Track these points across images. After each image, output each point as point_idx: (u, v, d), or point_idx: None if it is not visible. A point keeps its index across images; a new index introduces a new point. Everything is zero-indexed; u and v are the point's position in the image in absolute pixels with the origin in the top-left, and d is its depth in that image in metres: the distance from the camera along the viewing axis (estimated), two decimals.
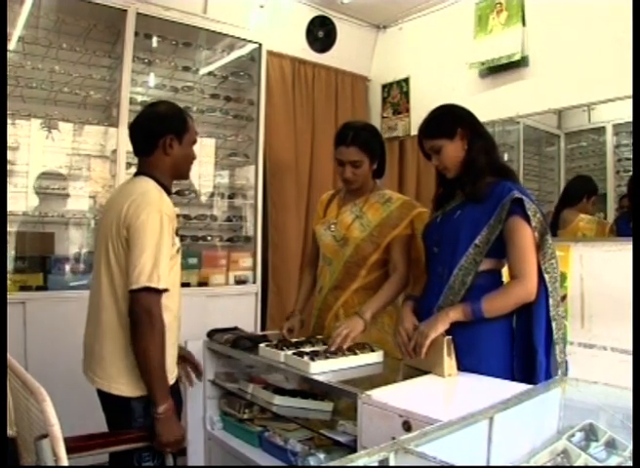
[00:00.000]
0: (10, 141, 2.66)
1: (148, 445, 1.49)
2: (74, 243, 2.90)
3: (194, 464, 2.07)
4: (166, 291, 1.50)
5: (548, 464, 0.97)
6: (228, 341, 1.93)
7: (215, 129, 3.40)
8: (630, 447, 1.01)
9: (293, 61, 3.67)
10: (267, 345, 1.79)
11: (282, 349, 1.72)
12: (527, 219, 1.53)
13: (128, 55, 2.83)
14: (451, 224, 1.66)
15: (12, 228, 2.69)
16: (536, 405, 1.09)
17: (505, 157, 3.20)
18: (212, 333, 2.05)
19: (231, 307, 3.12)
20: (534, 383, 1.41)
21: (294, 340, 1.86)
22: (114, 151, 2.87)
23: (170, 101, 1.87)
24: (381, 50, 4.03)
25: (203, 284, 3.15)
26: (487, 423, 0.94)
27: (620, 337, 2.39)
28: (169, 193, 1.66)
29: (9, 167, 2.66)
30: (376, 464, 0.74)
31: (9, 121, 2.63)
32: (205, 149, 3.31)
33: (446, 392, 1.47)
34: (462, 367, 1.52)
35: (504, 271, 1.65)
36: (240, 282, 3.29)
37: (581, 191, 2.94)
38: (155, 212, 1.50)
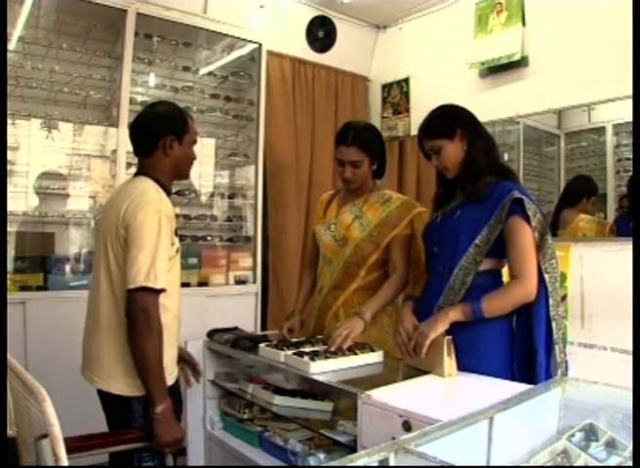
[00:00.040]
0: (10, 141, 2.66)
1: (148, 445, 1.49)
2: (74, 243, 2.90)
3: (194, 464, 2.07)
4: (163, 291, 1.50)
5: (548, 464, 0.97)
6: (228, 341, 1.93)
7: (215, 129, 3.39)
8: (630, 447, 1.01)
9: (293, 61, 3.67)
10: (267, 345, 1.79)
11: (282, 349, 1.72)
12: (527, 219, 1.53)
13: (128, 55, 2.83)
14: (451, 224, 1.66)
15: (12, 228, 2.69)
16: (536, 405, 1.09)
17: (505, 157, 3.20)
18: (212, 333, 2.05)
19: (231, 307, 3.11)
20: (534, 383, 1.41)
21: (294, 340, 1.86)
22: (114, 151, 2.87)
23: (170, 102, 1.87)
24: (381, 50, 4.03)
25: (203, 284, 3.15)
26: (487, 423, 0.94)
27: (620, 337, 2.39)
28: (169, 193, 1.66)
29: (9, 167, 2.66)
30: (376, 464, 0.74)
31: (9, 121, 2.63)
32: (205, 149, 3.31)
33: (446, 392, 1.47)
34: (462, 367, 1.52)
35: (504, 271, 1.65)
36: (240, 282, 3.28)
37: (581, 191, 2.94)
38: (153, 212, 1.51)
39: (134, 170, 1.77)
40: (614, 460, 1.02)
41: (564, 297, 2.44)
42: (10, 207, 2.55)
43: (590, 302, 2.56)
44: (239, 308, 3.18)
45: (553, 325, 1.53)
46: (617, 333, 2.40)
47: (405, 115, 3.82)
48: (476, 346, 1.56)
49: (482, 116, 1.79)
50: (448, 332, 1.53)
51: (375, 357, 1.71)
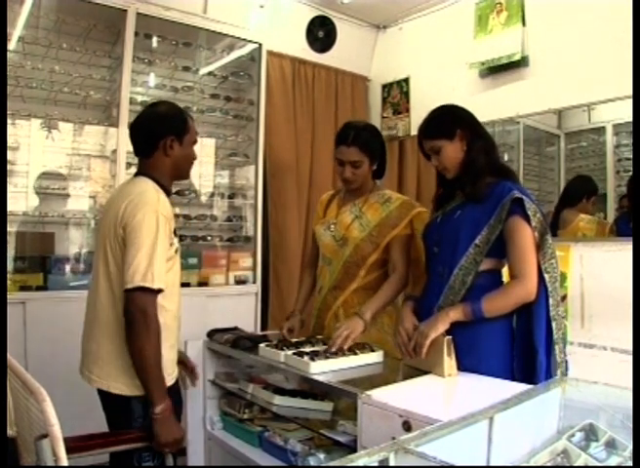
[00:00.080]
0: (10, 141, 2.66)
1: (148, 445, 1.49)
2: (74, 243, 2.90)
3: (194, 464, 2.07)
4: (161, 291, 1.50)
5: (548, 464, 0.97)
6: (228, 341, 1.93)
7: (215, 129, 3.39)
8: (630, 447, 1.01)
9: (293, 61, 3.67)
10: (267, 345, 1.79)
11: (282, 349, 1.72)
12: (527, 219, 1.53)
13: (128, 55, 2.83)
14: (451, 224, 1.66)
15: (12, 228, 2.69)
16: (536, 405, 1.09)
17: (505, 157, 3.20)
18: (212, 333, 2.05)
19: (231, 307, 3.12)
20: (534, 383, 1.41)
21: (294, 340, 1.86)
22: (114, 151, 2.87)
23: (170, 102, 1.87)
24: (381, 50, 4.03)
25: (203, 284, 3.15)
26: (487, 423, 0.94)
27: (620, 337, 2.39)
28: (168, 194, 1.66)
29: (9, 167, 2.66)
30: (376, 464, 0.74)
31: (9, 121, 2.63)
32: (205, 149, 3.31)
33: (446, 392, 1.47)
34: (462, 367, 1.52)
35: (505, 271, 1.65)
36: (240, 282, 3.29)
37: (581, 191, 2.94)
38: (151, 212, 1.50)
39: (134, 170, 1.77)
40: (614, 460, 1.02)
41: (564, 297, 2.44)
42: (10, 207, 2.55)
43: (590, 302, 2.56)
44: (239, 308, 3.18)
45: (553, 325, 1.53)
46: (617, 333, 2.40)
47: (405, 115, 3.82)
48: (476, 346, 1.56)
49: (482, 116, 1.79)
50: (448, 332, 1.53)
51: (375, 357, 1.71)
